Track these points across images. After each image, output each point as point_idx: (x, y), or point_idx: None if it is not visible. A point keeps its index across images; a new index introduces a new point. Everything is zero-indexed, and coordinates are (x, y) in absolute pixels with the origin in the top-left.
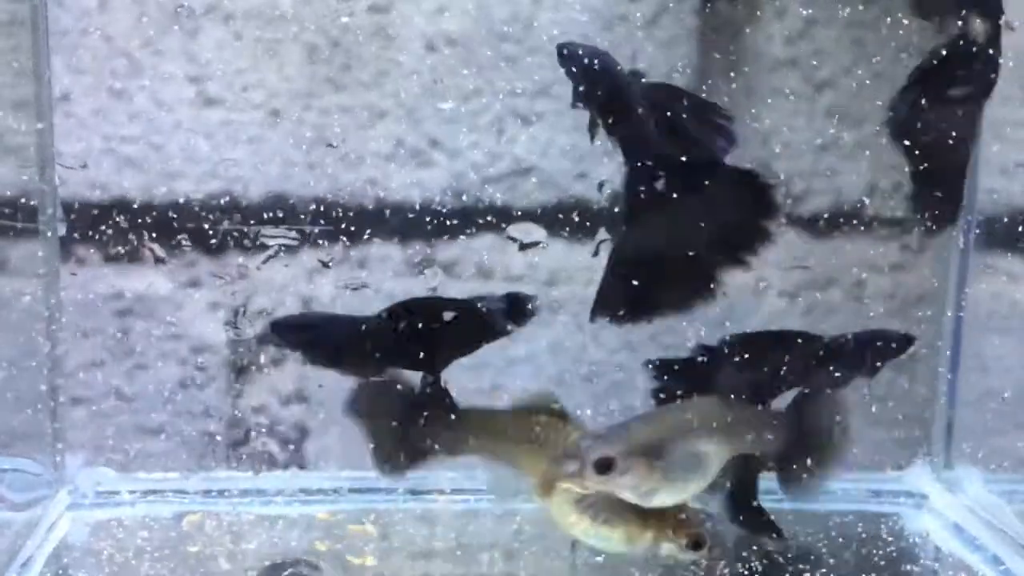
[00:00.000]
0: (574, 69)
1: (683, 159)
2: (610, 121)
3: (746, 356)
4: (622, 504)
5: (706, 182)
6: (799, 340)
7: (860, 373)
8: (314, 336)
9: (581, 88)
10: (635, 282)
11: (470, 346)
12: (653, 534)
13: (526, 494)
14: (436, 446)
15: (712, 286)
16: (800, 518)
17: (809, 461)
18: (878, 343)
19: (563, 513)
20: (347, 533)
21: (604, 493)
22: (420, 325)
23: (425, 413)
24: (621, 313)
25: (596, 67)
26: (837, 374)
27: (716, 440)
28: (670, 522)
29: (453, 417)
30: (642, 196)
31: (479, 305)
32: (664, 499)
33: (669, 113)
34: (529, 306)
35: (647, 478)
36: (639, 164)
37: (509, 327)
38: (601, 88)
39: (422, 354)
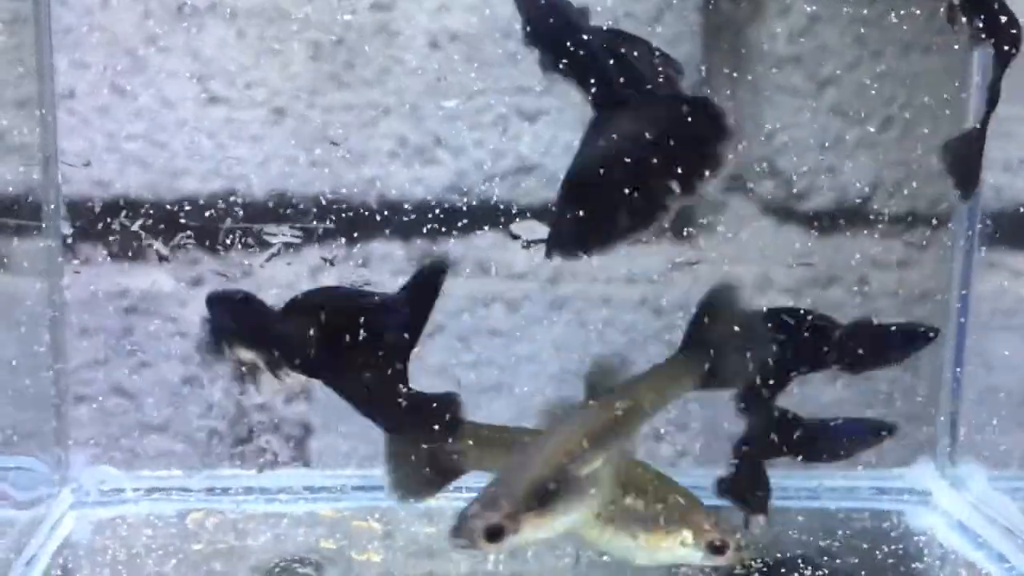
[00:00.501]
0: (524, 4)
1: (639, 90)
2: (563, 58)
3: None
4: (645, 513)
5: (657, 112)
6: (821, 321)
7: (881, 363)
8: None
9: (529, 27)
10: (582, 214)
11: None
12: (674, 541)
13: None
14: (461, 462)
15: (660, 211)
16: (803, 515)
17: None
18: (901, 334)
19: (586, 524)
20: (352, 531)
21: (623, 502)
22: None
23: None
24: (574, 247)
25: (545, 2)
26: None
27: (604, 452)
28: (691, 527)
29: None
30: (598, 133)
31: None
32: (558, 531)
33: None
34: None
35: (541, 525)
36: (597, 99)
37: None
38: (553, 23)
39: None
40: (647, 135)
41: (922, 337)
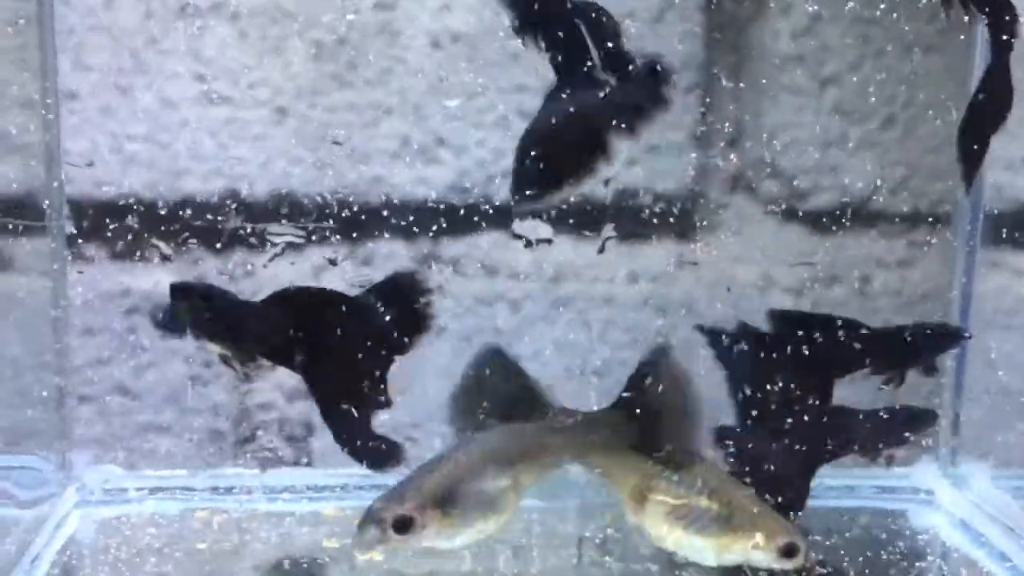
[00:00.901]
0: None
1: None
2: (535, 22)
3: (793, 336)
4: (715, 513)
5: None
6: (845, 326)
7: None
8: (211, 310)
9: None
10: (541, 162)
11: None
12: (747, 543)
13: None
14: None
15: (605, 155)
16: (807, 515)
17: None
18: (928, 337)
19: (656, 525)
20: (355, 530)
21: (696, 503)
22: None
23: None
24: (534, 190)
25: None
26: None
27: (509, 473)
28: (763, 530)
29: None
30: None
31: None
32: (464, 541)
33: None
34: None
35: (445, 528)
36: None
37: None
38: None
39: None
40: (598, 93)
41: (953, 337)
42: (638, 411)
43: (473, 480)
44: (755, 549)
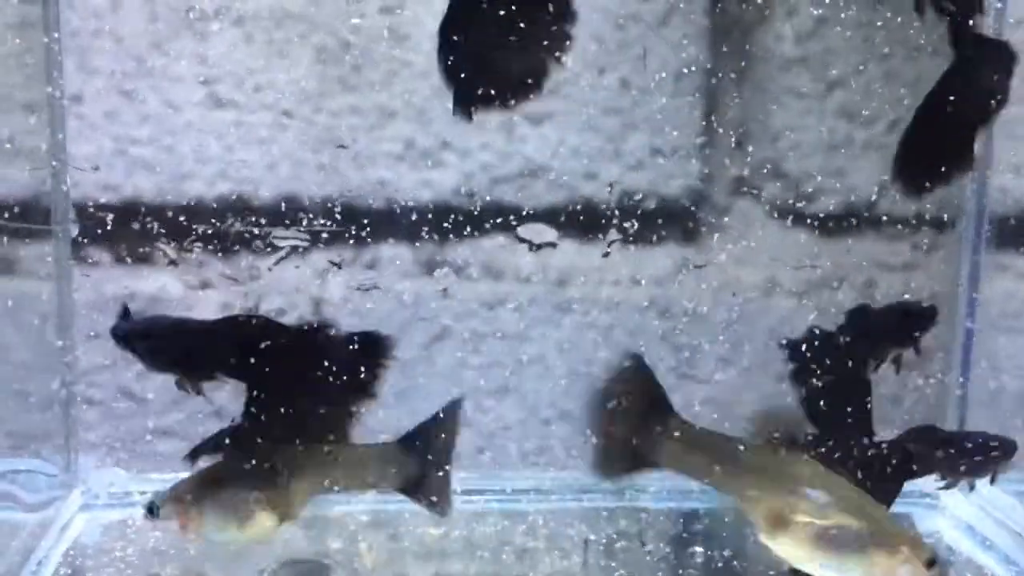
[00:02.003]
0: None
1: None
2: None
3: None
4: (861, 531)
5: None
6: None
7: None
8: (156, 342)
9: None
10: (476, 88)
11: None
12: (894, 559)
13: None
14: (661, 459)
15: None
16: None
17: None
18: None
19: (800, 546)
20: (358, 532)
21: (843, 522)
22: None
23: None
24: (474, 107)
25: None
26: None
27: (258, 491)
28: (907, 544)
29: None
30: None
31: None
32: (218, 539)
33: None
34: (384, 349)
35: (195, 520)
36: None
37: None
38: None
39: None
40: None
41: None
42: (418, 445)
43: (220, 490)
44: (902, 564)
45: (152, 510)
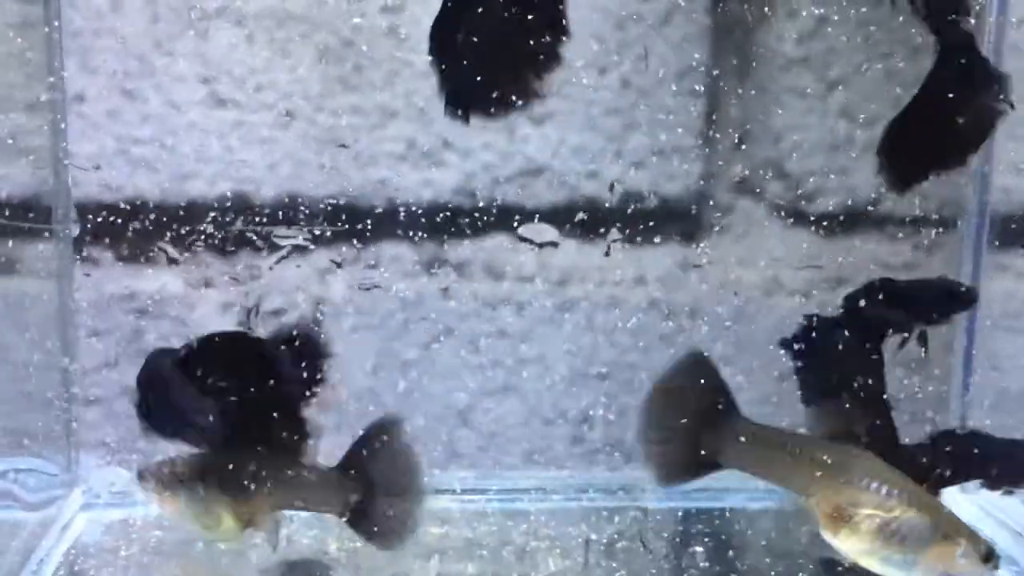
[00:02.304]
0: None
1: None
2: None
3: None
4: (925, 524)
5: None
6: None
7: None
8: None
9: None
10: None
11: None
12: (954, 551)
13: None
14: (725, 459)
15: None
16: (810, 516)
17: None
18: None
19: (863, 540)
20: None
21: (908, 515)
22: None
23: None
24: (465, 108)
25: None
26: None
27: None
28: (966, 536)
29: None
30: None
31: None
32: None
33: None
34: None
35: (167, 504)
36: None
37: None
38: None
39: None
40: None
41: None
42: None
43: (196, 485)
44: (961, 557)
45: (141, 476)
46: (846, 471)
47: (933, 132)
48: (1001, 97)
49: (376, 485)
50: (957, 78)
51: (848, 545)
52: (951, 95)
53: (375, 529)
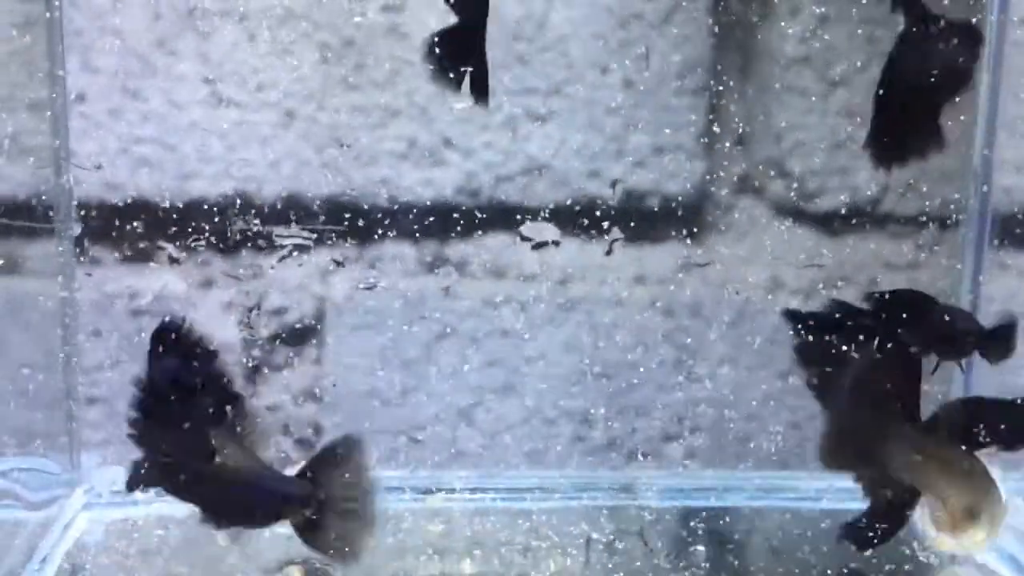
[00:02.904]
0: None
1: None
2: None
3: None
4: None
5: None
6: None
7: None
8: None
9: None
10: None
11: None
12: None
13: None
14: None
15: None
16: (812, 516)
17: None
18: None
19: (989, 535)
20: None
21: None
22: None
23: None
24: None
25: None
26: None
27: None
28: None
29: None
30: None
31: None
32: None
33: None
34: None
35: None
36: None
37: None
38: None
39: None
40: None
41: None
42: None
43: None
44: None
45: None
46: (966, 470)
47: (908, 97)
48: (972, 46)
49: (328, 502)
50: (924, 38)
51: (973, 542)
52: (922, 56)
53: (330, 551)
